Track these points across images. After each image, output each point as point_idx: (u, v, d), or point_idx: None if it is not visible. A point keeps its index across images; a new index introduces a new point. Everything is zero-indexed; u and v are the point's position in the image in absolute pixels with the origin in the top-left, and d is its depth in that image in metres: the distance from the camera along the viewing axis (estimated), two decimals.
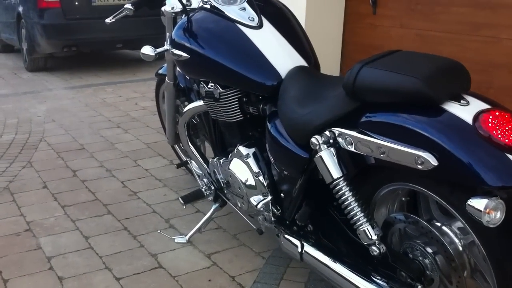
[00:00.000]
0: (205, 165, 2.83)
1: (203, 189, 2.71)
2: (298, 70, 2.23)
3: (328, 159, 1.84)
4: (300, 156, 2.00)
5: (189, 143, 2.88)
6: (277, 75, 2.23)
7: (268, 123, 2.21)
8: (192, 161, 2.87)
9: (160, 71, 3.37)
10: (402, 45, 3.81)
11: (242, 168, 2.36)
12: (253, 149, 2.36)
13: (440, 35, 3.68)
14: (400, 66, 1.69)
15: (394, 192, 1.90)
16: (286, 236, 2.19)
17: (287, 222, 2.27)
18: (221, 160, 2.55)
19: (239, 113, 2.42)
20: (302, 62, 2.29)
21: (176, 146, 3.54)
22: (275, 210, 2.31)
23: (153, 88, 6.08)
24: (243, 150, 2.37)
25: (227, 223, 2.94)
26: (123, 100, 5.67)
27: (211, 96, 2.46)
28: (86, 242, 2.80)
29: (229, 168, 2.43)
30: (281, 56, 2.27)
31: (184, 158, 3.51)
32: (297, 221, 2.17)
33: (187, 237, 2.74)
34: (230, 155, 2.47)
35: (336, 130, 1.84)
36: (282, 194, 2.25)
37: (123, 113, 5.17)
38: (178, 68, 2.95)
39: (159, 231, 2.82)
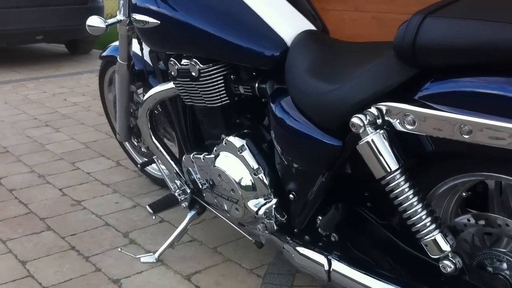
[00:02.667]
0: (174, 164, 2.28)
1: (176, 194, 2.15)
2: (307, 35, 1.73)
3: (381, 145, 1.36)
4: (328, 145, 1.51)
5: (153, 136, 2.31)
6: (281, 43, 1.72)
7: (272, 105, 1.70)
8: (158, 160, 2.30)
9: (106, 53, 2.78)
10: (357, 30, 3.43)
11: (235, 164, 1.84)
12: (248, 140, 1.83)
13: (399, 17, 3.29)
14: (483, 12, 1.23)
15: (455, 187, 1.45)
16: (303, 251, 1.68)
17: (299, 231, 1.77)
18: (202, 156, 2.00)
19: (225, 95, 1.90)
20: (309, 26, 1.80)
21: (128, 144, 2.95)
22: (280, 217, 1.80)
23: (83, 83, 5.43)
24: (235, 141, 1.84)
25: (202, 233, 2.39)
26: (48, 96, 4.95)
27: (186, 75, 1.92)
28: (23, 268, 2.18)
29: (215, 165, 1.89)
30: (283, 19, 1.77)
31: (138, 158, 2.93)
32: (319, 230, 1.67)
33: (157, 254, 2.18)
34: (215, 149, 1.93)
35: (385, 106, 1.35)
36: (291, 196, 1.75)
37: (51, 110, 4.48)
38: (133, 46, 2.38)
39: (119, 249, 2.24)
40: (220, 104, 1.91)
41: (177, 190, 2.16)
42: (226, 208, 1.94)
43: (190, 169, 2.13)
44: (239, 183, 1.82)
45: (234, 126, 1.96)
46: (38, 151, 3.52)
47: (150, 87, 2.42)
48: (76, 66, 6.30)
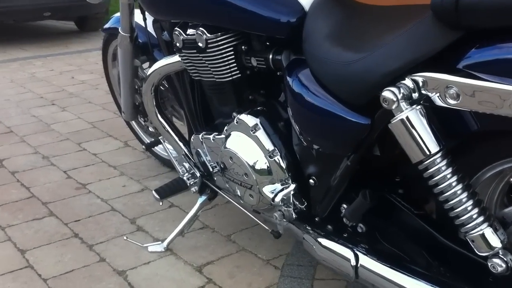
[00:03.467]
0: (182, 145, 2.10)
1: (184, 178, 1.97)
2: None
3: (418, 123, 1.15)
4: (355, 123, 1.31)
5: (159, 115, 2.13)
6: (297, 7, 1.52)
7: (288, 79, 1.50)
8: (165, 140, 2.12)
9: (108, 24, 2.59)
10: None
11: (248, 146, 1.65)
12: (262, 118, 1.64)
13: None
14: None
15: (502, 173, 1.24)
16: (326, 243, 1.50)
17: (320, 220, 1.59)
18: (212, 136, 1.82)
19: (235, 68, 1.70)
20: None
21: (134, 123, 2.77)
22: (299, 204, 1.62)
23: (91, 60, 5.25)
24: (248, 119, 1.65)
25: (214, 220, 2.22)
26: (55, 74, 4.78)
27: (192, 46, 1.73)
28: (22, 258, 2.02)
29: (226, 147, 1.71)
30: None
31: (146, 139, 2.75)
32: (344, 220, 1.48)
33: (165, 243, 2.01)
34: (225, 128, 1.74)
35: (422, 77, 1.15)
36: (311, 181, 1.56)
37: (58, 89, 4.31)
38: (136, 16, 2.18)
39: (125, 237, 2.07)
40: (230, 78, 1.72)
41: (186, 174, 1.97)
42: (239, 194, 1.76)
43: (199, 150, 1.95)
44: (252, 167, 1.63)
45: (246, 103, 1.77)
46: (43, 131, 3.35)
47: (155, 61, 2.24)
48: (85, 44, 6.11)
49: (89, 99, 3.98)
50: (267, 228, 1.76)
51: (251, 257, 1.96)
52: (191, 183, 1.96)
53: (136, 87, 2.41)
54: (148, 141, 2.70)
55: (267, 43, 1.64)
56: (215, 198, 2.02)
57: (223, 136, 1.75)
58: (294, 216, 1.64)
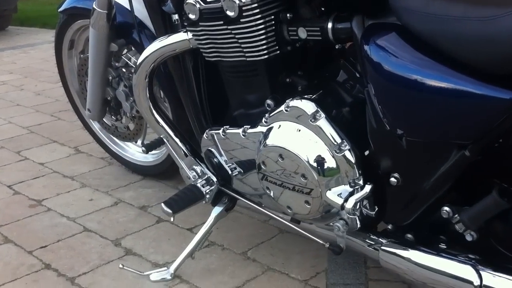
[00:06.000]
0: (187, 145, 1.69)
1: (198, 185, 1.57)
2: None
3: None
4: (492, 100, 0.99)
5: (154, 111, 1.70)
6: None
7: (370, 50, 1.15)
8: (168, 140, 1.70)
9: (66, 5, 2.12)
10: None
11: (307, 139, 1.28)
12: (325, 103, 1.29)
13: None
14: None
15: None
16: (428, 259, 1.17)
17: (401, 229, 1.27)
18: (241, 131, 1.44)
19: (274, 42, 1.34)
20: None
21: (96, 124, 2.31)
22: (369, 210, 1.28)
23: (7, 60, 4.62)
24: (305, 105, 1.28)
25: (219, 234, 1.81)
26: None
27: (217, 16, 1.36)
28: None
29: (270, 143, 1.34)
30: None
31: (112, 144, 2.31)
32: (456, 226, 1.15)
33: (172, 268, 1.59)
34: (264, 119, 1.37)
35: None
36: (392, 180, 1.22)
37: None
38: None
39: (120, 265, 1.63)
40: (266, 56, 1.35)
41: (199, 180, 1.57)
42: (281, 201, 1.39)
43: (213, 150, 1.56)
44: (314, 166, 1.27)
45: (282, 87, 1.41)
46: None
47: (139, 45, 1.83)
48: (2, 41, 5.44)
49: (17, 101, 3.41)
50: (322, 242, 1.40)
51: (283, 278, 1.60)
52: (207, 191, 1.57)
53: (110, 78, 1.98)
54: (116, 147, 2.27)
55: (322, 8, 1.30)
56: (233, 208, 1.64)
57: (260, 129, 1.38)
58: (359, 225, 1.31)
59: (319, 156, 1.27)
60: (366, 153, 1.26)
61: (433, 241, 1.24)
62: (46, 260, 1.72)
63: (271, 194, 1.40)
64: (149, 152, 1.77)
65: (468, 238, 1.16)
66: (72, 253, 1.76)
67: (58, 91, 3.40)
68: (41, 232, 1.89)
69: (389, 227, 1.32)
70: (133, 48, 1.95)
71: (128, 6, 1.74)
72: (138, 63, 1.63)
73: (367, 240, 1.34)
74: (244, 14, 1.31)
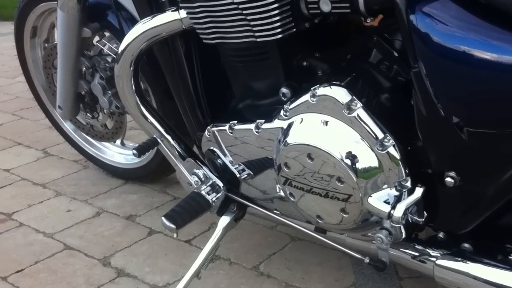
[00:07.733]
0: (181, 146, 1.45)
1: (202, 192, 1.33)
2: None
3: None
4: None
5: (142, 106, 1.45)
6: None
7: (423, 23, 0.93)
8: (162, 140, 1.45)
9: None
10: None
11: (341, 134, 1.06)
12: (361, 90, 1.07)
13: None
14: None
15: None
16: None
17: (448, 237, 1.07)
18: (252, 127, 1.21)
19: (290, 19, 1.11)
20: None
21: (67, 123, 2.04)
22: (418, 217, 1.07)
23: None
24: (337, 93, 1.06)
25: (222, 246, 1.57)
26: None
27: None
28: None
29: (290, 142, 1.11)
30: None
31: (86, 144, 2.05)
32: None
33: None
34: (282, 112, 1.14)
35: None
36: (449, 180, 1.01)
37: None
38: None
39: None
40: (280, 36, 1.12)
41: (203, 186, 1.34)
42: (309, 210, 1.16)
43: (216, 150, 1.33)
44: (352, 166, 1.05)
45: (298, 72, 1.19)
46: None
47: (115, 29, 1.58)
48: None
49: None
50: (360, 257, 1.18)
51: None
52: (213, 198, 1.33)
53: (83, 69, 1.71)
54: (92, 149, 2.01)
55: None
56: (243, 217, 1.41)
57: (279, 124, 1.15)
58: (404, 235, 1.10)
59: (357, 154, 1.05)
60: (414, 148, 1.05)
61: (497, 252, 1.04)
62: (24, 285, 1.47)
63: (296, 201, 1.17)
64: (141, 156, 1.51)
65: None
66: (54, 277, 1.51)
67: (17, 87, 3.10)
68: (15, 253, 1.63)
69: (440, 236, 1.12)
70: (108, 33, 1.69)
71: None
72: (120, 51, 1.38)
73: (412, 252, 1.13)
74: None
